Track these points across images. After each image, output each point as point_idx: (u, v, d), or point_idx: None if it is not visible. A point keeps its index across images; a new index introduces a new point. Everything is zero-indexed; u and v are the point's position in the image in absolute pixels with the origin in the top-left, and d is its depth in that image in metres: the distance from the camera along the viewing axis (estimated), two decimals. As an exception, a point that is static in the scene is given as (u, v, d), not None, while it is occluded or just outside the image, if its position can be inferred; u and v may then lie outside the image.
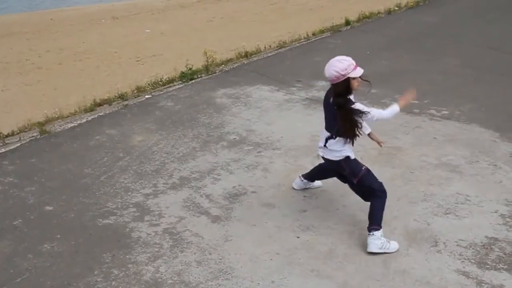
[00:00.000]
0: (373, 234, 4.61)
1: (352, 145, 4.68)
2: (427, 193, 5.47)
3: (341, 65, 4.41)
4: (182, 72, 9.19)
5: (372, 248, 4.59)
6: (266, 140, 6.60)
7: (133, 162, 6.13)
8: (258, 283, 4.28)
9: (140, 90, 8.79)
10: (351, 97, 4.53)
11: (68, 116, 8.07)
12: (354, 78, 4.44)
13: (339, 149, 4.67)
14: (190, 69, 9.17)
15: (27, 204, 5.35)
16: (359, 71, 4.45)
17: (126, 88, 9.01)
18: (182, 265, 4.48)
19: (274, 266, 4.47)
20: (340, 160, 4.70)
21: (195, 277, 4.35)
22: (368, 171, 4.72)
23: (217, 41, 12.68)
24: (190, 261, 4.53)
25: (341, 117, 4.50)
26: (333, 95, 4.55)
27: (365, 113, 4.49)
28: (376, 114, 4.59)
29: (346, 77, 4.41)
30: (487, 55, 10.05)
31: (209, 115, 7.36)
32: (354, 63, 4.44)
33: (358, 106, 4.49)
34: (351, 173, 4.72)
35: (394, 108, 4.73)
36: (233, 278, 4.33)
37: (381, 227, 4.63)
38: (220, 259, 4.56)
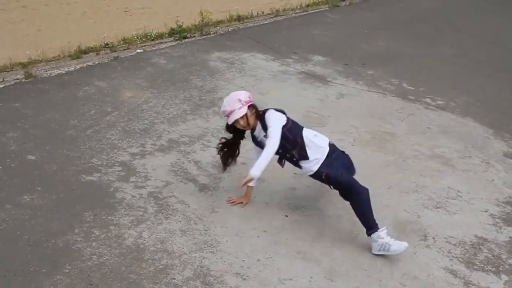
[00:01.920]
0: (371, 237, 4.37)
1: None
2: (419, 184, 5.38)
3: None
4: (172, 29, 9.00)
5: (373, 250, 4.37)
6: (259, 110, 6.42)
7: (121, 118, 5.91)
8: (243, 260, 4.15)
9: (127, 41, 8.57)
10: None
11: (52, 61, 7.80)
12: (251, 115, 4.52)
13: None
14: (180, 26, 8.95)
15: (8, 150, 5.12)
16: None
17: (113, 38, 8.73)
18: (166, 233, 4.33)
19: (260, 243, 4.35)
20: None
21: (179, 247, 4.20)
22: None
23: (207, 1, 12.32)
24: (174, 229, 4.38)
25: None
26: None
27: None
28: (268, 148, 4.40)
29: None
30: (484, 48, 9.95)
31: (202, 78, 7.15)
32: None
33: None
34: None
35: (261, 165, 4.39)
36: (218, 252, 4.20)
37: (376, 226, 4.35)
38: (206, 230, 4.42)
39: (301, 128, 4.54)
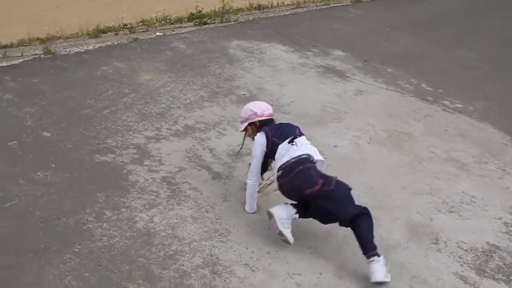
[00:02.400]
0: None
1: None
2: (433, 187, 5.33)
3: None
4: (191, 13, 9.02)
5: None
6: (276, 102, 6.38)
7: (138, 100, 5.89)
8: (253, 251, 4.13)
9: (145, 23, 8.58)
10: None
11: (70, 38, 7.79)
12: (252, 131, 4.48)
13: None
14: (200, 11, 8.96)
15: (25, 126, 5.11)
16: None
17: (132, 19, 8.71)
18: (177, 219, 4.31)
19: (271, 236, 4.31)
20: None
21: (189, 234, 4.18)
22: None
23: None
24: (186, 216, 4.36)
25: None
26: None
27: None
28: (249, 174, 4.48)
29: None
30: (505, 53, 9.83)
31: (221, 66, 7.12)
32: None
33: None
34: None
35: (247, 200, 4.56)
36: (228, 242, 4.18)
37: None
38: (217, 219, 4.40)
39: (278, 145, 4.34)
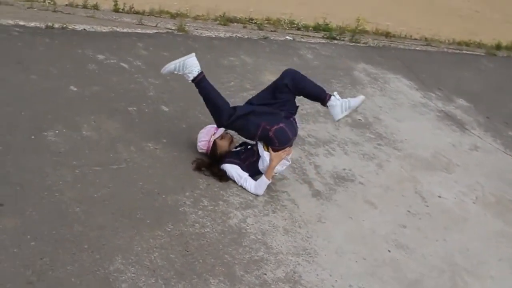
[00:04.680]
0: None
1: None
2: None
3: (203, 134, 4.69)
4: (318, 24, 9.15)
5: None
6: (390, 135, 6.23)
7: (257, 99, 5.89)
8: (336, 281, 4.02)
9: (271, 23, 8.68)
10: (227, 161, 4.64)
11: (198, 19, 7.92)
12: (221, 138, 4.68)
13: None
14: (327, 25, 9.16)
15: (147, 95, 5.22)
16: (220, 130, 4.69)
17: (258, 15, 8.82)
18: (269, 226, 4.27)
19: (356, 269, 4.20)
20: None
21: (278, 244, 4.12)
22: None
23: (359, 7, 11.93)
24: (278, 225, 4.31)
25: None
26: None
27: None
28: (251, 189, 4.57)
29: (212, 141, 4.65)
30: None
31: (343, 85, 7.03)
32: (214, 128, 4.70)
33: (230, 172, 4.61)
34: None
35: (263, 181, 4.56)
36: (313, 263, 4.09)
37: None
38: (308, 237, 4.32)
39: None
